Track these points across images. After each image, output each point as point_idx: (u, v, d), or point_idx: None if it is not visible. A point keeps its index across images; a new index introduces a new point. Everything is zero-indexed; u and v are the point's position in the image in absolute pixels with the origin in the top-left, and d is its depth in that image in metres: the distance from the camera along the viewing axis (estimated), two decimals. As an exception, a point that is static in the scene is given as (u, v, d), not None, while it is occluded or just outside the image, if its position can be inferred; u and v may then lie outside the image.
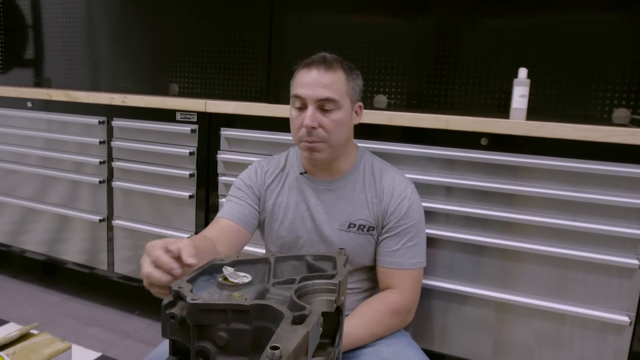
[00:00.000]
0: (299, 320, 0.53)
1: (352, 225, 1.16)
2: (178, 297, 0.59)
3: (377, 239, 1.17)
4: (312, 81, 1.08)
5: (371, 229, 1.16)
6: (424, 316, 1.44)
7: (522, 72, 1.51)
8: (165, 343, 0.80)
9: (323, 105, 1.08)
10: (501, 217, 1.34)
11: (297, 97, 1.10)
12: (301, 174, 1.21)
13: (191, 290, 0.59)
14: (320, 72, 1.08)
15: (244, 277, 0.65)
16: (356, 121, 1.19)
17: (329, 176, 1.19)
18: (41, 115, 2.07)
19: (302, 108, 1.10)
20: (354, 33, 2.01)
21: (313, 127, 1.08)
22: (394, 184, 1.17)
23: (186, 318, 0.56)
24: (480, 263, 1.38)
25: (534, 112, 1.72)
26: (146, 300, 2.14)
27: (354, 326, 1.05)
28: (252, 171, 1.25)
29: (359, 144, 1.27)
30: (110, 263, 1.99)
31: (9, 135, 2.17)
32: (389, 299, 1.13)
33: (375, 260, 1.19)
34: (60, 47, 2.74)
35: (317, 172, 1.19)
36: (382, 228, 1.16)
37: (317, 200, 1.19)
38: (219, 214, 1.19)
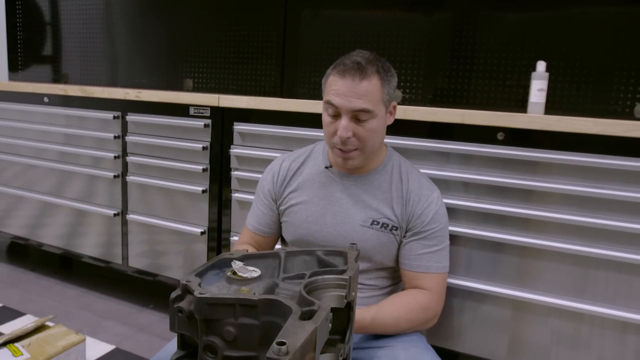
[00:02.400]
0: (307, 316, 0.52)
1: (375, 223, 1.14)
2: (186, 291, 0.58)
3: (401, 241, 1.15)
4: (346, 90, 1.05)
5: (394, 228, 1.14)
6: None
7: (541, 66, 1.48)
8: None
9: (357, 115, 1.05)
10: (519, 214, 1.31)
11: (331, 104, 1.07)
12: (326, 167, 1.19)
13: (199, 284, 0.58)
14: (355, 81, 1.04)
15: (253, 272, 0.64)
16: (390, 121, 1.16)
17: (355, 172, 1.17)
18: (58, 111, 2.09)
19: (336, 116, 1.08)
20: (369, 27, 1.99)
21: (348, 137, 1.06)
22: (420, 188, 1.16)
23: (194, 312, 0.55)
24: (497, 260, 1.35)
25: (552, 106, 1.68)
26: (160, 295, 2.15)
27: (379, 309, 1.06)
28: (271, 173, 1.26)
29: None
30: (125, 257, 2.01)
31: (27, 131, 2.20)
32: (420, 295, 1.12)
33: (396, 261, 1.17)
34: (78, 43, 2.77)
35: (344, 169, 1.18)
36: (407, 231, 1.14)
37: (340, 195, 1.16)
38: (247, 219, 1.30)
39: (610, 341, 1.27)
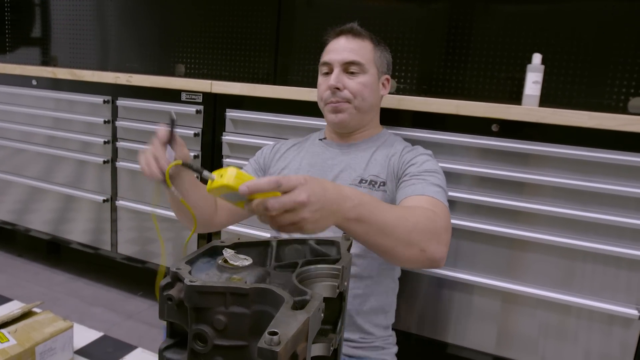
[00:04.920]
0: (299, 306, 0.51)
1: (363, 181, 1.11)
2: (176, 278, 0.57)
3: (394, 194, 1.06)
4: (338, 47, 1.12)
5: (382, 184, 1.09)
6: (427, 304, 1.43)
7: (537, 58, 1.47)
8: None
9: (348, 68, 1.10)
10: (510, 206, 1.31)
11: (325, 63, 1.13)
12: (320, 139, 1.22)
13: (190, 272, 0.57)
14: (348, 39, 1.12)
15: (244, 260, 0.63)
16: (383, 92, 1.20)
17: (348, 140, 1.18)
18: (46, 94, 2.05)
19: (329, 73, 1.13)
20: (364, 16, 1.97)
21: (337, 88, 1.09)
22: (414, 147, 1.17)
23: (184, 300, 0.54)
24: (487, 252, 1.36)
25: (547, 99, 1.68)
26: (149, 282, 2.14)
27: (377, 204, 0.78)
28: (267, 148, 1.27)
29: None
30: (114, 244, 1.99)
31: (14, 114, 2.16)
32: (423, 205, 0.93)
33: None
34: (67, 25, 2.72)
35: (337, 139, 1.19)
36: (399, 178, 1.06)
37: (332, 162, 1.16)
38: None
39: (597, 333, 1.28)
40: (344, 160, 1.15)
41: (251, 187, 0.62)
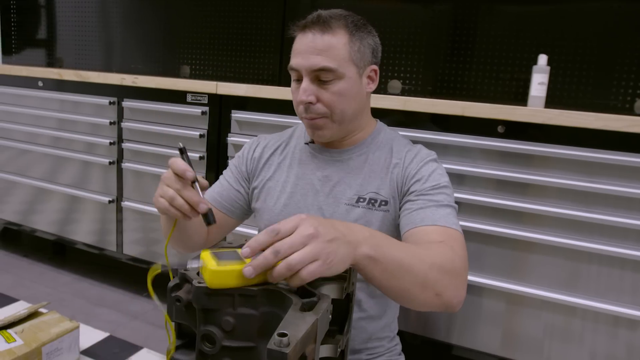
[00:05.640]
0: (307, 307, 0.51)
1: (361, 200, 0.96)
2: (184, 279, 0.57)
3: (397, 213, 0.95)
4: (305, 48, 0.91)
5: (383, 203, 0.95)
6: (433, 305, 1.42)
7: (542, 59, 1.47)
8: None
9: (319, 76, 0.91)
10: (515, 207, 1.31)
11: (292, 68, 0.93)
12: (306, 143, 1.04)
13: (198, 273, 0.57)
14: (315, 36, 0.90)
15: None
16: (370, 88, 0.99)
17: (338, 146, 1.01)
18: (52, 95, 2.06)
19: (299, 80, 0.93)
20: (368, 17, 1.95)
21: (310, 102, 0.91)
22: (417, 151, 1.00)
23: (192, 301, 0.54)
24: (492, 253, 1.35)
25: (552, 100, 1.67)
26: (155, 283, 2.14)
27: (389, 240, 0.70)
28: (247, 147, 1.10)
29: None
30: (119, 244, 2.00)
31: (20, 115, 2.17)
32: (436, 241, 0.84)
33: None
34: (73, 27, 2.73)
35: (326, 144, 1.02)
36: (403, 196, 0.94)
37: (323, 173, 0.99)
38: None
39: (602, 335, 1.27)
40: (336, 172, 0.99)
41: (255, 265, 0.53)
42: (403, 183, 0.95)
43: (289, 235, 0.55)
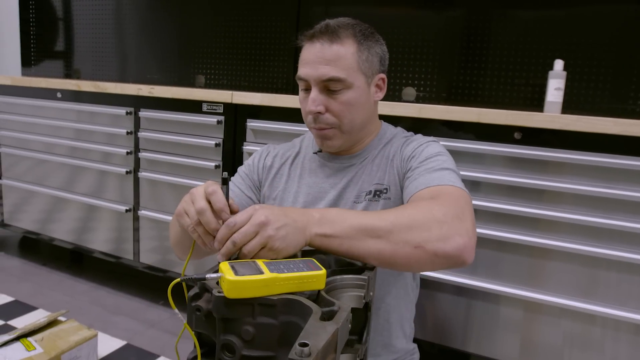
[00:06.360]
0: (327, 317, 0.51)
1: (368, 194, 0.98)
2: (204, 289, 0.58)
3: (399, 197, 0.97)
4: (313, 57, 0.92)
5: (385, 190, 0.97)
6: (448, 313, 1.41)
7: (558, 64, 1.46)
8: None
9: (328, 86, 0.92)
10: (533, 214, 1.29)
11: (300, 78, 0.95)
12: (315, 153, 1.06)
13: (217, 283, 0.58)
14: (323, 46, 0.91)
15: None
16: (378, 97, 1.00)
17: (347, 154, 1.03)
18: (70, 106, 2.10)
19: (308, 89, 0.95)
20: (381, 25, 1.97)
21: (319, 112, 0.93)
22: (415, 138, 1.02)
23: (212, 311, 0.55)
24: (508, 260, 1.34)
25: (569, 106, 1.66)
26: (171, 291, 2.15)
27: (352, 211, 0.77)
28: (257, 155, 1.12)
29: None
30: (136, 253, 2.01)
31: (39, 126, 2.21)
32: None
33: None
34: (90, 39, 2.78)
35: (335, 152, 1.04)
36: (404, 179, 0.95)
37: (334, 180, 1.02)
38: None
39: (623, 344, 1.25)
40: (345, 177, 1.02)
41: (222, 254, 0.66)
42: (401, 167, 0.97)
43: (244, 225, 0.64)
